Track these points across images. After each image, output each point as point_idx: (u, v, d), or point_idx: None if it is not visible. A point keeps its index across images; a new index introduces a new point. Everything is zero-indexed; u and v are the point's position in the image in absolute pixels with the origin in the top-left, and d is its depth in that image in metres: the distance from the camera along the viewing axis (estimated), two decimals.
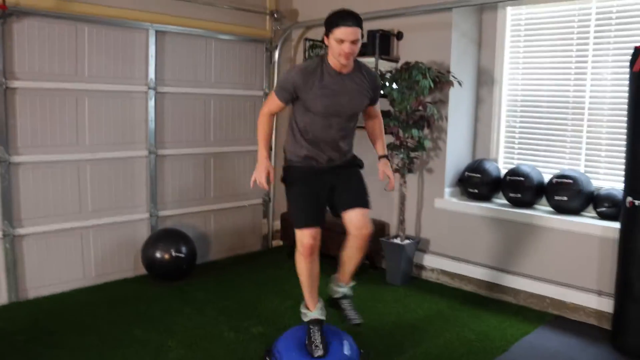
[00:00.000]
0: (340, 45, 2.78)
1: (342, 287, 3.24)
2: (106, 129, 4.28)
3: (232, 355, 3.21)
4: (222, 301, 4.04)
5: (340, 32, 2.76)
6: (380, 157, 3.26)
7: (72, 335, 3.41)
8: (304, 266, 3.04)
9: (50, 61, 3.94)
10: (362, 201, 3.07)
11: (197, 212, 4.91)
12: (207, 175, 4.95)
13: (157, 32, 4.44)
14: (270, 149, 3.25)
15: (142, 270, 4.46)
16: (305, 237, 2.97)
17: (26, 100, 3.87)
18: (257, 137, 3.09)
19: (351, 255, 3.14)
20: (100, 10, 4.12)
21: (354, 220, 3.03)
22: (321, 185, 3.06)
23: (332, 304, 3.27)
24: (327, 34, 2.84)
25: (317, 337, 3.02)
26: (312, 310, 3.09)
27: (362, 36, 2.86)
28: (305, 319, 3.10)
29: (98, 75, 4.18)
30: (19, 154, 3.86)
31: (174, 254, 4.29)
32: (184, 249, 4.36)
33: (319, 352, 2.95)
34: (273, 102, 3.03)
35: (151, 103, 4.48)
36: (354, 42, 2.79)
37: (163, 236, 4.41)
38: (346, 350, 3.07)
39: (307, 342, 3.02)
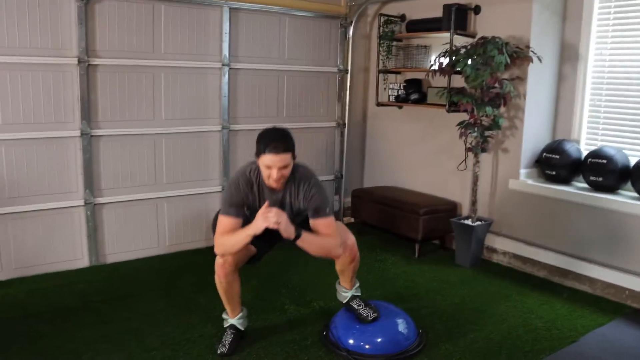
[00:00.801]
0: (269, 171, 2.71)
1: (347, 291, 3.16)
2: (181, 104, 4.42)
3: (291, 328, 3.27)
4: (287, 275, 4.11)
5: (268, 159, 2.67)
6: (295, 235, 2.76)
7: (143, 299, 3.60)
8: (221, 282, 3.02)
9: (128, 39, 4.12)
10: (322, 211, 2.85)
11: None
12: None
13: (230, 9, 4.51)
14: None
15: (213, 242, 4.60)
16: (225, 261, 2.96)
17: (106, 76, 4.07)
18: (236, 243, 2.84)
19: (343, 268, 3.06)
20: None
21: (326, 233, 2.85)
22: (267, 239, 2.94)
23: (346, 308, 3.18)
24: (257, 155, 2.74)
25: (227, 338, 3.02)
26: (232, 318, 3.08)
27: (295, 157, 2.74)
28: (225, 325, 3.09)
29: (173, 52, 4.32)
30: (99, 127, 4.08)
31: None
32: None
33: (222, 349, 2.95)
34: (226, 225, 2.85)
35: (225, 79, 4.58)
36: (281, 168, 2.70)
37: None
38: (402, 328, 3.06)
39: (356, 313, 3.08)
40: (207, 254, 4.50)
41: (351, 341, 2.98)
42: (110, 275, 4.02)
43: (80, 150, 4.02)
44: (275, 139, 2.70)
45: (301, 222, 2.92)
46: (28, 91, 3.79)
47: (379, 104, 5.26)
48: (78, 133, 3.99)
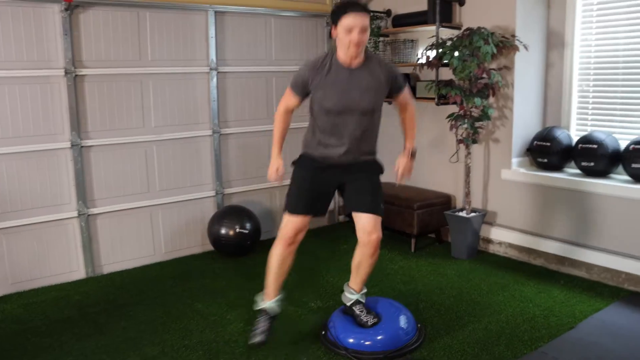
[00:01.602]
0: (349, 35, 2.69)
1: (354, 294, 3.13)
2: (170, 110, 4.42)
3: (289, 329, 3.26)
4: None
5: (348, 19, 2.67)
6: (405, 149, 3.08)
7: (140, 308, 3.60)
8: (277, 253, 3.04)
9: (115, 48, 4.11)
10: (374, 207, 2.96)
11: (262, 188, 4.99)
12: (271, 152, 4.96)
13: (216, 12, 4.51)
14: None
15: (209, 247, 4.62)
16: (289, 226, 2.97)
17: (94, 86, 4.06)
18: (274, 131, 3.08)
19: (361, 261, 3.04)
20: None
21: (364, 224, 2.95)
22: (328, 181, 3.01)
23: (345, 311, 3.19)
24: (334, 23, 2.75)
25: (261, 324, 3.05)
26: (266, 301, 3.09)
27: (371, 26, 2.77)
28: (256, 308, 3.11)
29: (160, 58, 4.31)
30: (89, 137, 4.07)
31: (238, 230, 4.40)
32: (248, 225, 4.46)
33: (256, 339, 2.99)
34: (288, 97, 2.98)
35: (213, 83, 4.57)
36: (362, 31, 2.70)
37: (227, 213, 4.52)
38: (402, 324, 3.06)
39: (357, 319, 3.07)
40: (202, 259, 4.53)
41: (351, 339, 2.97)
42: (106, 286, 4.01)
43: (72, 161, 4.01)
44: (355, 2, 2.74)
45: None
46: (16, 104, 3.78)
47: None
48: (68, 144, 3.98)
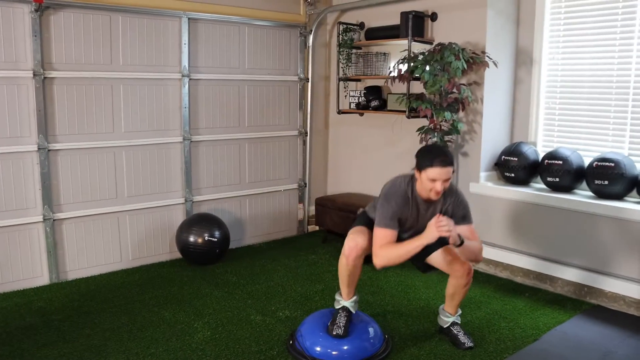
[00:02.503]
0: (432, 184, 2.84)
1: (450, 317, 3.24)
2: (141, 116, 4.37)
3: (257, 338, 3.24)
4: (252, 285, 4.09)
5: (434, 172, 2.81)
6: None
7: (105, 315, 3.53)
8: (351, 263, 3.06)
9: (86, 51, 4.06)
10: (442, 244, 3.06)
11: (232, 197, 4.97)
12: (241, 161, 5.01)
13: (189, 19, 4.50)
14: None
15: (177, 254, 4.58)
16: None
17: (63, 89, 4.00)
18: (402, 254, 2.89)
19: (455, 292, 3.15)
20: (134, 0, 4.20)
21: (446, 258, 3.10)
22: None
23: (441, 331, 3.30)
24: (419, 169, 2.89)
25: (342, 320, 3.08)
26: (346, 300, 3.15)
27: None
28: (337, 306, 3.16)
29: (132, 63, 4.27)
30: (57, 141, 4.00)
31: (207, 238, 4.36)
32: (217, 234, 4.43)
33: (337, 331, 3.02)
34: (386, 238, 2.92)
35: (185, 90, 4.55)
36: (446, 181, 2.85)
37: (196, 221, 4.48)
38: (370, 334, 3.07)
39: (330, 322, 3.08)
40: (170, 267, 4.47)
41: (318, 349, 2.97)
42: (71, 292, 3.92)
43: (38, 165, 3.93)
44: (442, 154, 2.87)
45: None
46: None
47: (340, 112, 5.29)
48: (35, 147, 3.90)
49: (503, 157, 4.31)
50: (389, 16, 4.76)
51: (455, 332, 3.21)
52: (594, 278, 3.76)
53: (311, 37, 5.21)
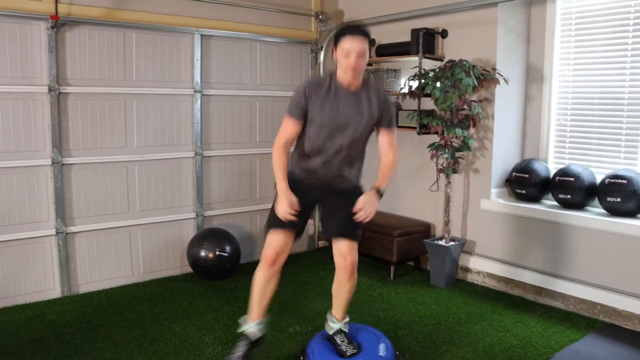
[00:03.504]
0: (347, 58, 2.75)
1: (336, 322, 3.14)
2: (153, 131, 4.42)
3: (267, 354, 3.23)
4: None
5: (347, 43, 2.73)
6: (372, 187, 2.93)
7: (116, 329, 3.54)
8: (260, 276, 3.04)
9: (100, 67, 4.12)
10: (351, 233, 2.98)
11: (243, 212, 4.99)
12: (252, 176, 5.03)
13: (202, 36, 4.55)
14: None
15: (188, 269, 4.59)
16: (271, 246, 2.96)
17: (77, 104, 4.05)
18: (274, 169, 2.91)
19: (339, 286, 3.07)
20: (147, 17, 4.27)
21: (340, 249, 2.98)
22: (307, 198, 2.96)
23: (328, 339, 3.17)
24: (335, 45, 2.83)
25: (239, 349, 2.99)
26: (249, 323, 3.07)
27: (369, 52, 2.81)
28: (238, 330, 3.09)
29: (145, 79, 4.33)
30: (71, 155, 4.05)
31: (217, 252, 4.37)
32: (227, 248, 4.44)
33: None
34: (287, 127, 2.91)
35: (197, 105, 4.59)
36: (359, 56, 2.75)
37: (207, 235, 4.50)
38: (381, 352, 3.05)
39: (337, 348, 3.07)
40: (181, 281, 4.48)
41: None
42: (82, 306, 3.94)
43: (52, 178, 3.97)
44: (354, 26, 2.82)
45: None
46: None
47: None
48: (49, 162, 3.95)
49: (514, 173, 4.30)
50: (400, 33, 4.79)
51: (339, 341, 3.08)
52: (608, 296, 3.72)
53: (322, 53, 5.25)
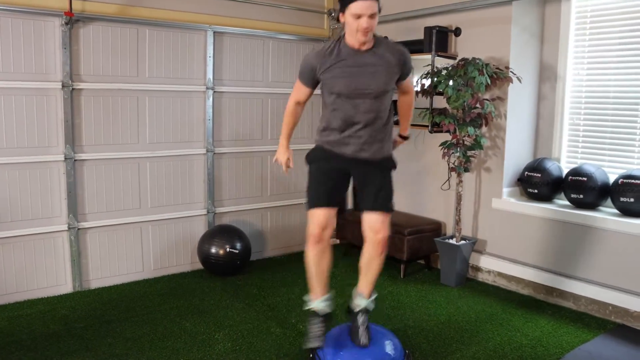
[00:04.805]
0: (358, 21, 2.65)
1: (363, 299, 3.03)
2: (165, 127, 4.44)
3: (277, 351, 3.24)
4: (273, 297, 4.10)
5: (357, 5, 2.63)
6: (399, 136, 3.26)
7: (127, 324, 3.56)
8: (310, 254, 2.94)
9: (113, 63, 4.14)
10: (383, 205, 2.92)
11: (254, 209, 5.00)
12: (264, 173, 5.04)
13: (215, 33, 4.56)
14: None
15: (199, 265, 4.61)
16: (313, 222, 2.89)
17: (90, 100, 4.08)
18: (283, 124, 3.12)
19: (369, 261, 2.99)
20: (161, 14, 4.28)
21: (371, 223, 2.92)
22: (340, 170, 2.93)
23: (349, 313, 3.09)
24: (342, 10, 2.71)
25: (315, 328, 2.91)
26: (314, 301, 3.00)
27: (380, 10, 2.71)
28: (305, 308, 3.04)
29: (158, 76, 4.34)
30: (83, 151, 4.07)
31: (228, 249, 4.39)
32: (238, 245, 4.45)
33: (314, 343, 2.86)
34: (298, 90, 2.99)
35: (209, 102, 4.60)
36: (371, 16, 2.65)
37: (218, 232, 4.52)
38: (389, 350, 3.04)
39: (355, 329, 2.96)
40: (191, 278, 4.50)
41: None
42: (94, 301, 3.97)
43: (64, 174, 4.00)
44: None
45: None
46: (11, 115, 3.78)
47: None
48: (62, 157, 3.98)
49: (526, 173, 4.28)
50: (413, 31, 4.77)
51: (360, 322, 2.95)
52: (619, 297, 3.69)
53: None
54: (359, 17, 2.65)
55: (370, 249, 2.97)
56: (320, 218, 2.89)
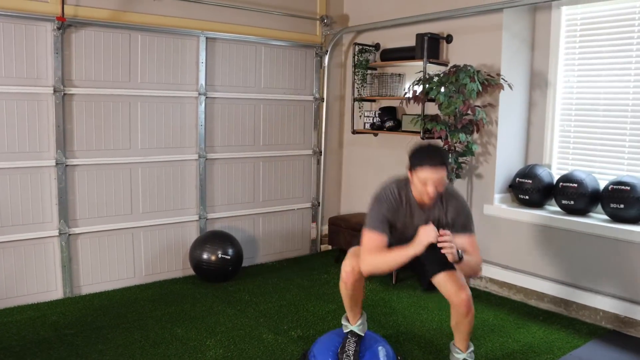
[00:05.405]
0: (425, 187, 2.67)
1: (460, 353, 2.95)
2: (157, 133, 4.43)
3: (268, 357, 3.23)
4: (264, 303, 4.09)
5: (424, 173, 2.64)
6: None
7: (118, 331, 3.54)
8: (344, 289, 2.99)
9: (105, 69, 4.13)
10: (445, 264, 2.76)
11: (246, 215, 4.99)
12: (256, 179, 5.03)
13: (207, 39, 4.56)
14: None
15: (190, 271, 4.59)
16: (347, 265, 2.93)
17: (82, 106, 4.06)
18: (390, 262, 2.75)
19: (458, 323, 2.87)
20: (153, 20, 4.29)
21: (444, 285, 2.84)
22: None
23: None
24: (410, 169, 2.74)
25: (351, 347, 3.00)
26: (352, 325, 3.07)
27: (448, 174, 2.69)
28: (345, 330, 3.09)
29: (150, 81, 4.34)
30: (75, 157, 4.06)
31: (220, 255, 4.38)
32: (230, 251, 4.44)
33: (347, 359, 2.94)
34: (375, 242, 2.76)
35: (201, 108, 4.60)
36: (438, 184, 2.66)
37: (210, 238, 4.50)
38: (382, 356, 3.05)
39: (340, 348, 3.03)
40: (183, 284, 4.49)
41: None
42: (84, 307, 3.94)
43: (55, 179, 3.98)
44: (432, 154, 2.69)
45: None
46: (2, 120, 3.76)
47: (354, 132, 5.32)
48: (53, 162, 3.96)
49: (517, 179, 4.30)
50: (405, 38, 4.80)
51: None
52: (610, 303, 3.71)
53: (327, 57, 5.27)
54: (425, 183, 2.66)
55: (456, 312, 2.84)
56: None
